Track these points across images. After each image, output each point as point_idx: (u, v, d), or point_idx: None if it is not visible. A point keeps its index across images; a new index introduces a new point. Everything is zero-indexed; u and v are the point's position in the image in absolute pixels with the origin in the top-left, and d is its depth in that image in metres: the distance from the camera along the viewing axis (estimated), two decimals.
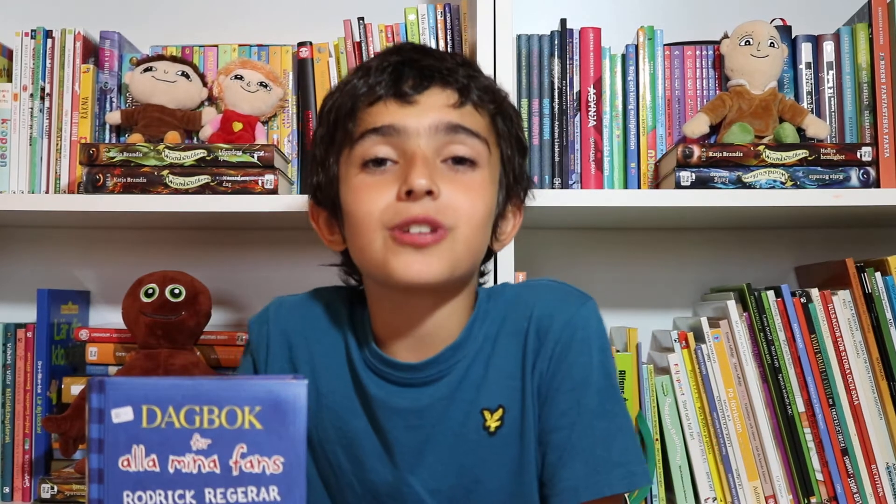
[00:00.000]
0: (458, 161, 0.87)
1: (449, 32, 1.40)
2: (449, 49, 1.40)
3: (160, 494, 0.72)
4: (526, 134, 1.03)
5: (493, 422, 0.91)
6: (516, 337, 0.92)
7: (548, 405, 0.90)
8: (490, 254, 0.97)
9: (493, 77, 1.09)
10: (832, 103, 1.38)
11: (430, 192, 0.84)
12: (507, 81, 1.25)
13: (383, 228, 0.85)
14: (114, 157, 1.30)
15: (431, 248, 0.84)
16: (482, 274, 1.00)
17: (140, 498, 0.72)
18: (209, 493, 0.72)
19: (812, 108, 1.38)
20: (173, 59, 1.42)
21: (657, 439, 1.33)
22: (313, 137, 0.96)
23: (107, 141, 1.43)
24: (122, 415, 0.72)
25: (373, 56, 0.95)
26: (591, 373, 0.90)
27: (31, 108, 1.41)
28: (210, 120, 1.42)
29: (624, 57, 1.41)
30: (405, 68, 0.88)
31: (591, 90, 1.38)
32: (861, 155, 1.27)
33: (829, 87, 1.38)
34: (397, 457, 0.93)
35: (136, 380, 0.73)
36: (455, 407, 0.92)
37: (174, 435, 0.73)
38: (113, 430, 0.72)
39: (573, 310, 0.91)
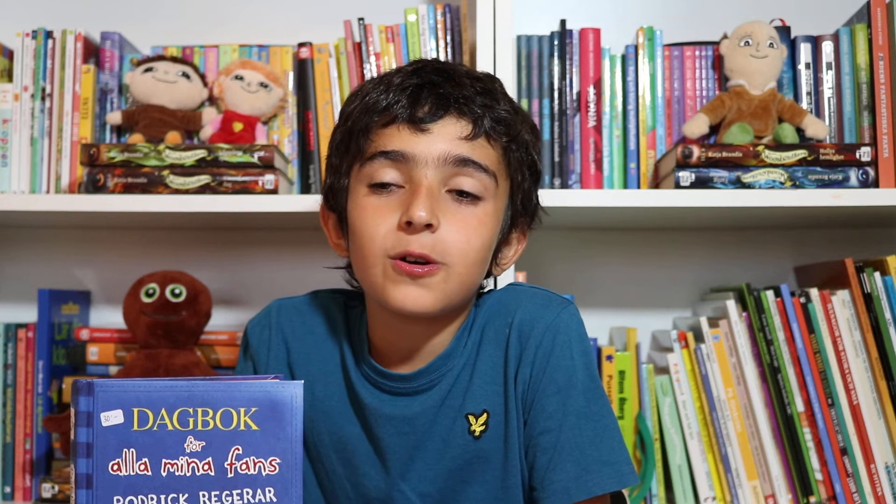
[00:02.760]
0: (463, 193, 0.89)
1: (449, 33, 1.40)
2: (449, 51, 1.40)
3: (153, 499, 0.71)
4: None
5: (477, 426, 0.92)
6: (498, 343, 0.93)
7: (534, 409, 0.91)
8: (489, 274, 0.98)
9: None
10: (831, 104, 1.38)
11: (429, 225, 0.85)
12: (507, 82, 1.25)
13: (384, 256, 0.87)
14: (114, 158, 1.31)
15: (426, 280, 0.87)
16: (480, 293, 1.00)
17: (132, 502, 0.71)
18: (203, 495, 0.72)
19: (811, 109, 1.38)
20: (174, 59, 1.42)
21: (657, 439, 1.33)
22: (331, 138, 0.98)
23: (107, 141, 1.43)
24: (111, 418, 0.71)
25: (397, 67, 0.97)
26: (574, 375, 0.91)
27: (32, 109, 1.41)
28: (210, 120, 1.42)
29: (624, 57, 1.41)
30: (423, 92, 0.89)
31: (591, 90, 1.39)
32: (860, 155, 1.27)
33: (829, 88, 1.38)
34: (389, 463, 0.94)
35: (126, 382, 0.73)
36: (443, 414, 0.93)
37: (167, 438, 0.72)
38: (102, 434, 0.71)
39: (553, 315, 0.92)
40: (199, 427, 0.72)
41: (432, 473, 0.94)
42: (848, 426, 1.27)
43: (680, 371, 1.31)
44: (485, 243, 0.90)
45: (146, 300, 1.31)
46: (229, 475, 0.73)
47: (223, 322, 1.56)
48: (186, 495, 0.72)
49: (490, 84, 0.94)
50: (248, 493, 0.73)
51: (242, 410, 0.73)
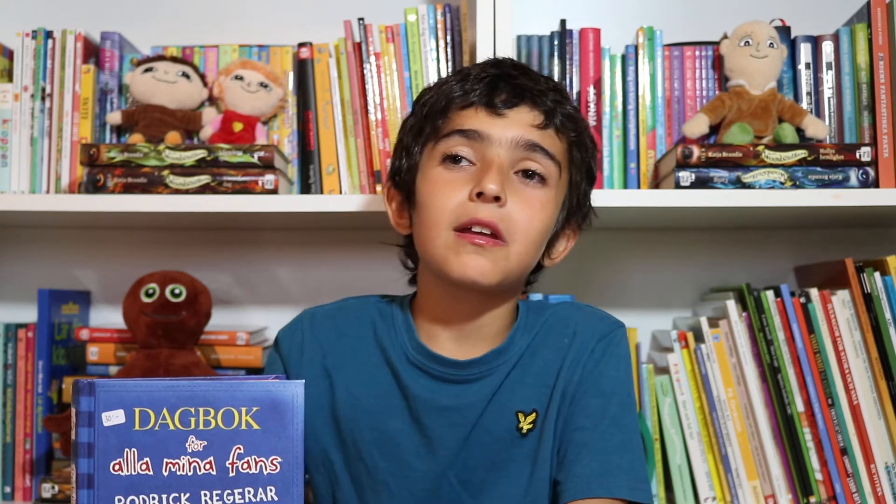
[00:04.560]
0: (529, 175, 0.94)
1: (449, 33, 1.40)
2: (449, 51, 1.40)
3: (154, 498, 0.71)
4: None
5: (525, 424, 0.97)
6: (556, 350, 0.99)
7: (573, 405, 0.96)
8: (540, 267, 1.04)
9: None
10: (831, 104, 1.38)
11: (497, 199, 0.90)
12: None
13: (449, 228, 0.92)
14: (114, 158, 1.31)
15: (488, 252, 0.91)
16: (528, 283, 1.06)
17: (133, 502, 0.71)
18: (205, 495, 0.72)
19: (811, 109, 1.38)
20: (174, 59, 1.42)
21: (657, 439, 1.33)
22: (403, 125, 1.04)
23: (107, 141, 1.43)
24: (113, 418, 0.71)
25: (474, 63, 1.03)
26: (618, 386, 0.97)
27: (32, 109, 1.41)
28: (210, 120, 1.42)
29: (623, 57, 1.41)
30: (501, 82, 0.96)
31: (591, 90, 1.38)
32: (860, 155, 1.27)
33: (829, 88, 1.38)
34: (438, 452, 0.97)
35: (128, 382, 0.73)
36: (492, 407, 0.97)
37: (169, 437, 0.72)
38: (104, 434, 0.71)
39: (609, 328, 1.01)
40: (201, 426, 0.72)
41: (475, 463, 0.97)
42: (848, 426, 1.27)
43: (680, 371, 1.31)
44: (545, 226, 0.95)
45: (146, 300, 1.31)
46: (231, 474, 0.73)
47: (223, 322, 1.56)
48: (188, 495, 0.72)
49: (561, 85, 1.02)
50: (249, 492, 0.73)
51: (244, 410, 0.73)
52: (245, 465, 0.73)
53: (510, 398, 0.97)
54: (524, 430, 0.97)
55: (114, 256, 1.59)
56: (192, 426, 0.72)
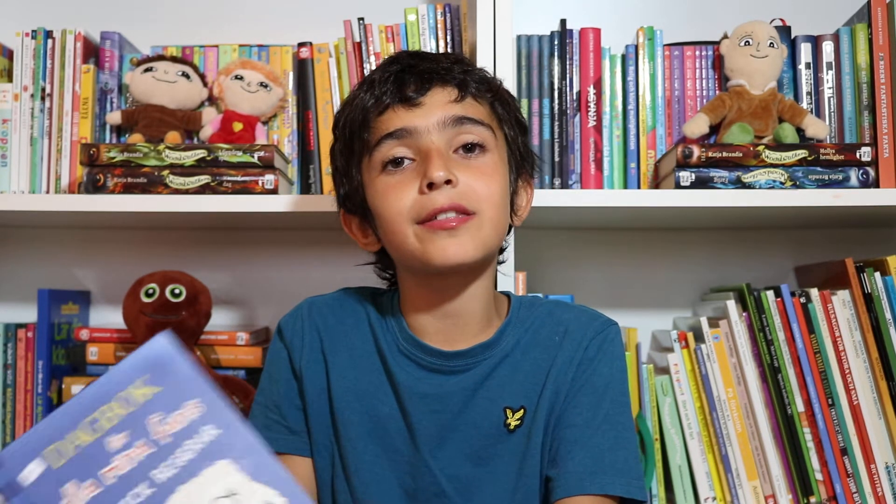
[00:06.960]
0: (469, 148, 0.95)
1: (449, 33, 1.40)
2: (449, 50, 1.40)
3: None
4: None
5: (513, 420, 0.97)
6: (547, 348, 1.00)
7: (566, 402, 0.97)
8: (509, 229, 1.04)
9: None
10: (831, 103, 1.38)
11: (448, 182, 0.91)
12: (507, 82, 1.25)
13: (412, 224, 0.92)
14: (114, 158, 1.31)
15: (461, 229, 0.92)
16: (501, 251, 1.06)
17: None
18: (157, 473, 0.71)
19: (811, 109, 1.38)
20: (173, 59, 1.42)
21: (657, 439, 1.33)
22: (331, 152, 1.04)
23: (107, 141, 1.43)
24: (32, 472, 0.70)
25: (374, 69, 1.04)
26: (611, 384, 0.98)
27: (32, 109, 1.41)
28: (210, 120, 1.42)
29: (624, 57, 1.41)
30: (405, 75, 0.96)
31: (591, 90, 1.38)
32: (860, 155, 1.27)
33: (829, 88, 1.38)
34: (418, 439, 0.97)
35: (22, 437, 0.71)
36: (476, 401, 0.97)
37: (91, 451, 0.70)
38: (33, 492, 0.69)
39: (602, 326, 1.01)
40: (113, 423, 0.71)
41: (462, 457, 0.97)
42: (848, 426, 1.27)
43: (680, 371, 1.31)
44: (502, 188, 0.96)
45: (146, 300, 1.31)
46: (166, 441, 0.71)
47: (223, 322, 1.56)
48: (144, 484, 0.70)
49: (461, 56, 1.03)
50: (191, 443, 0.71)
51: (138, 382, 0.71)
52: (173, 425, 0.72)
53: (498, 394, 0.97)
54: (511, 426, 0.97)
55: (114, 256, 1.59)
56: (105, 427, 0.70)
